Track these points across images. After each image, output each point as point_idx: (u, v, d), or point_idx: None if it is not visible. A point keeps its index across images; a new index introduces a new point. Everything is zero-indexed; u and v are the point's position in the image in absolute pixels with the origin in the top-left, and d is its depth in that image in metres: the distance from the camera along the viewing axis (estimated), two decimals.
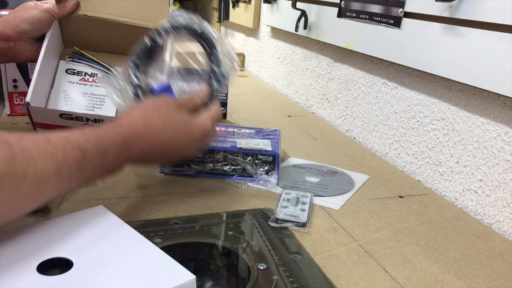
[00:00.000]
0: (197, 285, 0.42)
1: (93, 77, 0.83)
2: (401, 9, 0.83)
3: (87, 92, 0.82)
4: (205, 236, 0.57)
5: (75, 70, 0.83)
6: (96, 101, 0.81)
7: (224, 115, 1.02)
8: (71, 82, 0.82)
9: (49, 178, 0.43)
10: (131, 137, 0.55)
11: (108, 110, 0.81)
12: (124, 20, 0.81)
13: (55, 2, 0.77)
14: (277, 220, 0.61)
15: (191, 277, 0.41)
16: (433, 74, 0.78)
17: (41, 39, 0.77)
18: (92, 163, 0.49)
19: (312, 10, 1.15)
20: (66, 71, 0.83)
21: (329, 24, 1.08)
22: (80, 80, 0.83)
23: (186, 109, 0.63)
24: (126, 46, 0.85)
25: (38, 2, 0.78)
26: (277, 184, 0.73)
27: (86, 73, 0.83)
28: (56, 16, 0.78)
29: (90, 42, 0.84)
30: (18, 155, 0.40)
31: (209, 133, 0.64)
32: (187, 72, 0.69)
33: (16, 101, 0.96)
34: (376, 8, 0.90)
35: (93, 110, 0.80)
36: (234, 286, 0.51)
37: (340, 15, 1.02)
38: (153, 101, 0.62)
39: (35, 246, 0.44)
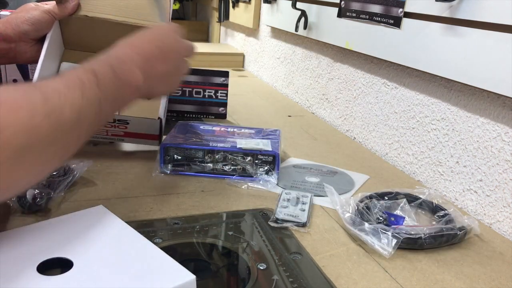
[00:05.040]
0: (197, 285, 0.42)
1: None
2: (401, 9, 0.83)
3: None
4: (205, 236, 0.57)
5: None
6: None
7: (224, 115, 1.02)
8: None
9: (81, 107, 0.46)
10: (121, 46, 0.58)
11: None
12: (124, 20, 0.81)
13: (55, 3, 0.77)
14: (277, 220, 0.61)
15: (191, 277, 0.41)
16: (433, 74, 0.78)
17: (41, 40, 0.77)
18: (107, 78, 0.51)
19: (312, 10, 1.15)
20: None
21: (329, 24, 1.08)
22: None
23: None
24: None
25: (39, 3, 0.79)
26: (277, 184, 0.73)
27: None
28: (56, 17, 0.78)
29: (91, 43, 0.84)
30: (49, 94, 0.43)
31: (174, 28, 0.65)
32: None
33: None
34: (376, 8, 0.90)
35: None
36: (234, 286, 0.51)
37: (340, 15, 1.02)
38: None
39: (35, 246, 0.44)
